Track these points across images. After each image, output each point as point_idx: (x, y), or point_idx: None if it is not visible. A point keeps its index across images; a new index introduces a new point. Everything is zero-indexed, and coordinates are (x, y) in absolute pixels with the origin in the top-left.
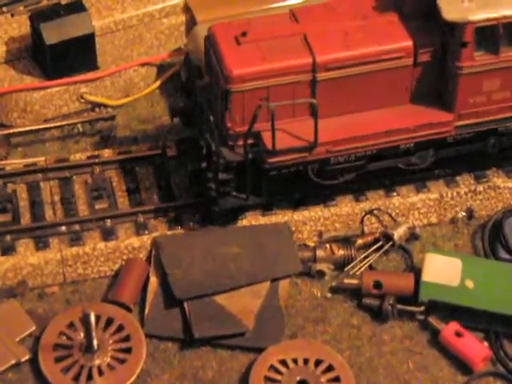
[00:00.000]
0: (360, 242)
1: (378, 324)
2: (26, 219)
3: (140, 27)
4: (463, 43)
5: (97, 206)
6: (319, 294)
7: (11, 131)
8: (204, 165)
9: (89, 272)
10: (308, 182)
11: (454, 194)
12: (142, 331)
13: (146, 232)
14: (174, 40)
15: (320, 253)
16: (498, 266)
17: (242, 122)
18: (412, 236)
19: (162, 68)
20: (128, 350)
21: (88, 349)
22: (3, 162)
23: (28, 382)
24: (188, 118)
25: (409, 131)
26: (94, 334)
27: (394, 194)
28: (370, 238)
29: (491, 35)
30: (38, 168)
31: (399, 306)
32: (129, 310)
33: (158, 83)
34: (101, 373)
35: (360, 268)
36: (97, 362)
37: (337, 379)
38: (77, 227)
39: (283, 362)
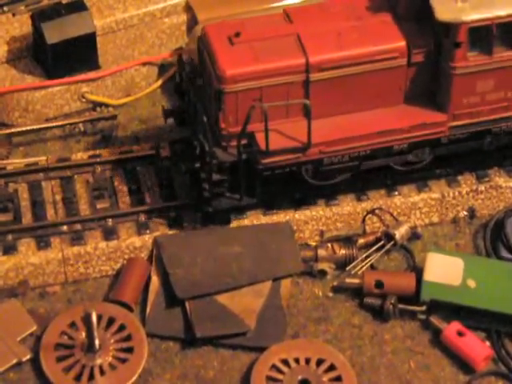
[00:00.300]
0: (361, 241)
1: (379, 323)
2: (27, 219)
3: (141, 26)
4: (457, 43)
5: (98, 206)
6: (321, 294)
7: (13, 130)
8: (197, 165)
9: (90, 271)
10: (302, 183)
11: (456, 193)
12: (144, 331)
13: (148, 231)
14: (175, 39)
15: (322, 252)
16: (499, 266)
17: (236, 122)
18: (413, 235)
19: (163, 67)
20: (129, 350)
21: (89, 348)
22: (5, 162)
23: (29, 382)
24: (182, 119)
25: (403, 132)
26: (95, 333)
27: (396, 193)
28: (371, 238)
29: (485, 35)
30: (40, 167)
31: (401, 306)
32: (130, 309)
33: (159, 83)
34: (102, 372)
35: (361, 267)
36: (98, 361)
37: (338, 379)
38: (78, 227)
39: (285, 362)
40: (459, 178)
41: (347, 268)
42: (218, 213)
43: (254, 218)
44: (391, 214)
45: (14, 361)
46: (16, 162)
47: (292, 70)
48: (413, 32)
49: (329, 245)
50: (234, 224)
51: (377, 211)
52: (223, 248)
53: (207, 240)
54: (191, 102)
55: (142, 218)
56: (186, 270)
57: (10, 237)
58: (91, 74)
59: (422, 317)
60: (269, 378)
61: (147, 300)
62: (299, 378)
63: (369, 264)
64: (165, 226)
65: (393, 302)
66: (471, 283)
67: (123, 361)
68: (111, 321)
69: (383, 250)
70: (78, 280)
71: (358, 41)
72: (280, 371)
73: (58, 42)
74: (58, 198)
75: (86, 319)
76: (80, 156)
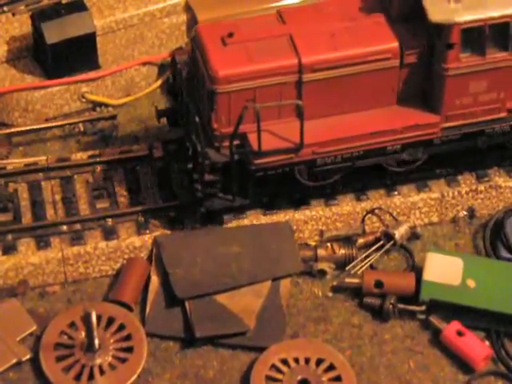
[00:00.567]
0: (361, 241)
1: (379, 323)
2: (27, 218)
3: (141, 26)
4: (449, 45)
5: (98, 206)
6: (320, 294)
7: (12, 130)
8: (190, 166)
9: (90, 271)
10: (295, 183)
11: (456, 193)
12: (143, 330)
13: (147, 231)
14: (175, 39)
15: (321, 252)
16: (499, 266)
17: (228, 123)
18: (413, 235)
19: (163, 67)
20: (129, 350)
21: (89, 348)
22: (4, 162)
23: (29, 382)
24: (175, 119)
25: (395, 133)
26: (95, 333)
27: (395, 193)
28: (371, 238)
29: (477, 36)
30: (39, 167)
31: (400, 306)
32: (130, 309)
33: (158, 83)
34: (102, 372)
35: (361, 267)
36: (98, 361)
37: (338, 378)
38: (78, 226)
39: (284, 361)
40: (459, 177)
41: (347, 268)
42: (211, 213)
43: (254, 218)
44: (391, 214)
45: (14, 360)
46: (16, 162)
47: (285, 71)
48: (405, 33)
49: (328, 245)
50: (233, 224)
51: (376, 211)
52: (223, 248)
53: (207, 240)
54: (184, 103)
55: (142, 217)
56: (186, 269)
57: (9, 236)
58: (91, 74)
59: (422, 317)
60: (268, 378)
61: (147, 300)
62: (299, 377)
63: (368, 264)
64: (164, 225)
65: (392, 301)
66: (471, 283)
67: (123, 360)
68: (111, 320)
69: (383, 250)
70: (77, 280)
71: (351, 42)
72: (279, 371)
73: (58, 41)
74: (58, 197)
75: (86, 319)
76: (80, 156)
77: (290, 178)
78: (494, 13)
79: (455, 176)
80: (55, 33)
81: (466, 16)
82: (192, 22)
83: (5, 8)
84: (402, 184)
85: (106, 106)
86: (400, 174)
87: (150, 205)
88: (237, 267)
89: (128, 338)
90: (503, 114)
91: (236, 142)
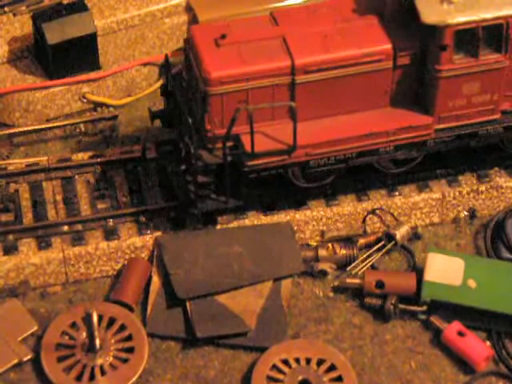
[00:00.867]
0: (362, 241)
1: (380, 324)
2: (28, 219)
3: (142, 27)
4: (442, 46)
5: (99, 206)
6: (321, 294)
7: (13, 131)
8: (183, 167)
9: (91, 272)
10: (289, 185)
11: (457, 193)
12: (145, 331)
13: (149, 232)
14: (176, 40)
15: (322, 252)
16: (500, 266)
17: (221, 124)
18: (414, 235)
19: (164, 68)
20: (130, 350)
21: (90, 348)
22: (5, 162)
23: (30, 382)
24: (168, 121)
25: (388, 134)
26: (96, 333)
27: (397, 193)
28: (372, 238)
29: (470, 38)
30: (41, 168)
31: (401, 306)
32: (131, 309)
33: (159, 83)
34: (103, 372)
35: (362, 268)
36: (99, 361)
37: (339, 379)
38: (79, 227)
39: (285, 362)
40: (460, 178)
41: (348, 268)
42: (204, 214)
43: (255, 219)
44: (392, 215)
45: (15, 361)
46: (17, 162)
47: (278, 73)
48: (399, 35)
49: (329, 245)
50: (234, 224)
51: (377, 211)
52: (224, 248)
53: (208, 240)
54: (177, 104)
55: (143, 218)
56: (187, 270)
57: (10, 237)
58: (92, 75)
59: (423, 317)
60: (269, 378)
61: (148, 300)
62: (300, 378)
63: (369, 264)
64: (166, 226)
65: (393, 302)
66: (472, 283)
67: (124, 361)
68: (112, 321)
69: (384, 250)
70: (78, 280)
71: (344, 43)
72: (281, 371)
73: (59, 42)
74: (59, 198)
75: (87, 319)
76: (81, 156)
77: (284, 179)
78: (487, 14)
79: (456, 176)
80: (56, 33)
81: (459, 17)
82: (193, 22)
83: (6, 8)
84: (403, 184)
85: (107, 106)
86: (395, 175)
87: (151, 205)
88: (238, 267)
89: (129, 338)
90: (496, 116)
91: (229, 144)
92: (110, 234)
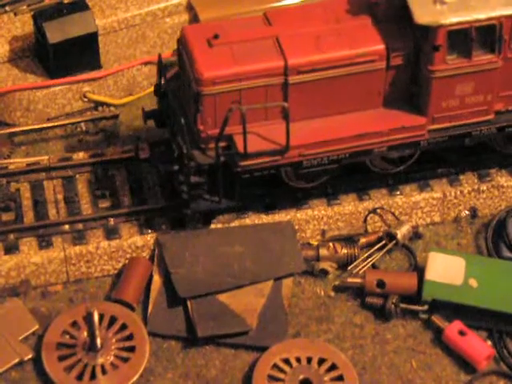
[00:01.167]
0: (363, 240)
1: (381, 323)
2: (29, 218)
3: (143, 26)
4: (435, 47)
5: (100, 205)
6: (322, 293)
7: (14, 130)
8: (176, 167)
9: (92, 271)
10: (282, 185)
11: (458, 192)
12: (146, 330)
13: (149, 231)
14: (177, 39)
15: (323, 252)
16: (501, 265)
17: (214, 124)
18: (415, 235)
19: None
20: (131, 349)
21: (91, 347)
22: (6, 161)
23: (31, 381)
24: (162, 121)
25: (382, 135)
26: (97, 332)
27: (398, 193)
28: (373, 237)
29: (464, 39)
30: (42, 167)
31: (402, 305)
32: (132, 308)
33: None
34: (104, 371)
35: (363, 267)
36: (100, 360)
37: (340, 378)
38: (80, 226)
39: (286, 361)
40: (461, 177)
41: (349, 267)
42: (197, 215)
43: (256, 218)
44: (393, 214)
45: (16, 360)
46: (18, 162)
47: (270, 73)
48: (392, 35)
49: (330, 244)
50: (235, 223)
51: (378, 211)
52: (225, 247)
53: (209, 239)
54: (170, 104)
55: (144, 217)
56: (188, 269)
57: (11, 236)
58: (93, 74)
59: (424, 316)
60: (270, 377)
61: (149, 299)
62: (301, 377)
63: (370, 263)
64: (167, 225)
65: (394, 301)
66: (473, 283)
67: (125, 360)
68: (113, 320)
69: (385, 250)
70: (79, 279)
71: (337, 44)
72: (281, 370)
73: (60, 41)
74: (60, 197)
75: (88, 318)
76: (82, 155)
77: (277, 179)
78: (480, 15)
79: (457, 176)
80: (57, 32)
81: (452, 18)
82: (194, 21)
83: (7, 8)
84: (404, 184)
85: (108, 105)
86: (392, 175)
87: (152, 204)
88: (239, 267)
89: (130, 337)
90: (490, 117)
91: (222, 144)
92: (110, 233)
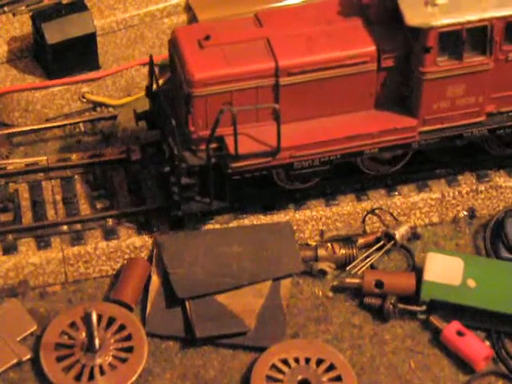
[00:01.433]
0: (361, 241)
1: (379, 323)
2: (27, 218)
3: (141, 27)
4: (426, 48)
5: (98, 206)
6: (321, 294)
7: (13, 130)
8: (167, 169)
9: (90, 271)
10: (274, 186)
11: (456, 193)
12: (144, 330)
13: (148, 231)
14: None
15: (321, 252)
16: (499, 266)
17: (205, 126)
18: (413, 235)
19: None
20: (129, 349)
21: (89, 348)
22: (5, 162)
23: (29, 382)
24: (153, 122)
25: (373, 137)
26: (95, 333)
27: (396, 193)
28: (371, 238)
29: (455, 40)
30: (40, 167)
31: (401, 306)
32: (130, 309)
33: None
34: (102, 372)
35: (361, 267)
36: (98, 361)
37: (338, 378)
38: (78, 226)
39: (285, 362)
40: (459, 177)
41: (347, 268)
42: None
43: (254, 218)
44: (391, 214)
45: (14, 360)
46: (16, 162)
47: (261, 74)
48: (383, 37)
49: (329, 245)
50: (233, 224)
51: (377, 211)
52: (223, 248)
53: (207, 240)
54: (162, 105)
55: (142, 217)
56: (187, 269)
57: (10, 237)
58: (91, 74)
59: (422, 317)
60: (269, 378)
61: (147, 300)
62: (299, 377)
63: (369, 264)
64: (165, 225)
65: (393, 301)
66: (471, 283)
67: (123, 360)
68: (111, 320)
69: (383, 250)
70: (78, 280)
71: (328, 45)
72: (280, 371)
73: (59, 42)
74: (58, 197)
75: (86, 319)
76: (80, 156)
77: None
78: (472, 16)
79: (456, 176)
80: (56, 33)
81: (443, 20)
82: (192, 22)
83: (5, 8)
84: (403, 184)
85: (107, 106)
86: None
87: (151, 205)
88: (237, 267)
89: (128, 338)
90: (481, 118)
91: (213, 145)
92: (109, 234)
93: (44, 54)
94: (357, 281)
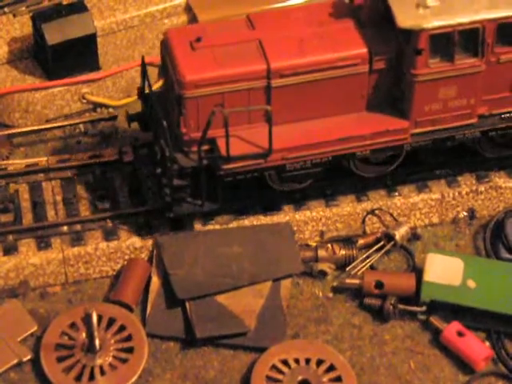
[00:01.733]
0: (361, 241)
1: (379, 324)
2: (27, 219)
3: (142, 27)
4: (418, 51)
5: (98, 206)
6: (321, 294)
7: (13, 131)
8: (159, 170)
9: (91, 272)
10: (267, 188)
11: (456, 194)
12: (144, 331)
13: (148, 232)
14: None
15: (321, 253)
16: (499, 266)
17: (197, 127)
18: (413, 236)
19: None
20: (130, 350)
21: (90, 349)
22: (5, 162)
23: (30, 382)
24: (145, 124)
25: (365, 138)
26: (95, 333)
27: (396, 194)
28: (371, 238)
29: (446, 42)
30: (40, 168)
31: (401, 306)
32: (130, 309)
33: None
34: (103, 372)
35: (361, 268)
36: (99, 361)
37: (338, 379)
38: (78, 227)
39: (285, 362)
40: (459, 178)
41: (347, 268)
42: (180, 218)
43: (254, 219)
44: (391, 215)
45: (15, 361)
46: (16, 163)
47: (253, 76)
48: (375, 39)
49: (329, 245)
50: (234, 224)
51: (377, 212)
52: (223, 248)
53: (208, 240)
54: (154, 107)
55: (143, 218)
56: (187, 270)
57: (10, 237)
58: (91, 75)
59: (422, 317)
60: (269, 378)
61: (147, 300)
62: (299, 378)
63: (369, 264)
64: (165, 226)
65: (393, 302)
66: (471, 284)
67: (123, 361)
68: (111, 321)
69: (383, 251)
70: (78, 280)
71: (320, 47)
72: (280, 371)
73: (59, 42)
74: (59, 198)
75: (87, 319)
76: (80, 157)
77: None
78: (463, 19)
79: (455, 177)
80: (56, 34)
81: (435, 22)
82: (193, 22)
83: (5, 9)
84: (403, 185)
85: (107, 106)
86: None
87: (151, 205)
88: (237, 268)
89: (129, 338)
90: (473, 120)
91: (205, 147)
92: (109, 235)
93: (44, 55)
94: (357, 281)
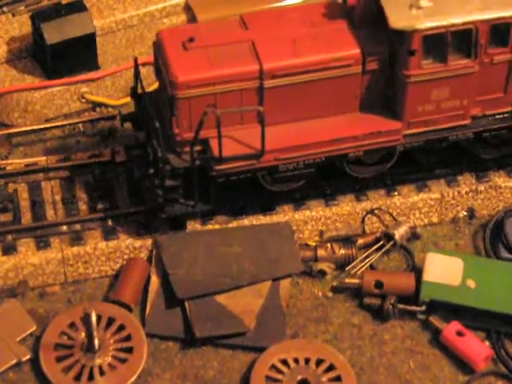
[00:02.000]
0: (361, 241)
1: (379, 324)
2: (27, 219)
3: (141, 27)
4: (411, 51)
5: (98, 206)
6: (320, 294)
7: (12, 131)
8: (151, 171)
9: (90, 271)
10: (260, 189)
11: (455, 193)
12: (143, 331)
13: (147, 232)
14: None
15: (321, 252)
16: (499, 266)
17: (190, 128)
18: (413, 235)
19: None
20: (129, 350)
21: (89, 348)
22: (4, 162)
23: (29, 382)
24: (138, 124)
25: (357, 139)
26: (95, 333)
27: (395, 193)
28: (371, 238)
29: (439, 43)
30: (39, 168)
31: (400, 306)
32: (130, 309)
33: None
34: (102, 372)
35: (361, 267)
36: (98, 361)
37: (338, 379)
38: (78, 227)
39: (284, 362)
40: (459, 178)
41: (347, 268)
42: (173, 218)
43: (254, 218)
44: (390, 214)
45: (14, 361)
46: (16, 163)
47: (245, 77)
48: (368, 39)
49: (328, 245)
50: (233, 224)
51: (376, 211)
52: (223, 248)
53: (207, 240)
54: (147, 107)
55: (142, 218)
56: (186, 270)
57: (9, 237)
58: (91, 75)
59: (422, 317)
60: (268, 378)
61: (147, 300)
62: (299, 378)
63: (368, 264)
64: (165, 226)
65: (392, 302)
66: (471, 283)
67: (123, 361)
68: (111, 321)
69: (383, 250)
70: (77, 280)
71: (313, 48)
72: (279, 371)
73: (58, 42)
74: (58, 198)
75: (86, 319)
76: (80, 156)
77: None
78: (456, 19)
79: (455, 176)
80: (55, 33)
81: (428, 23)
82: (192, 22)
83: (5, 8)
84: (402, 184)
85: (106, 106)
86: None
87: (150, 205)
88: (237, 267)
89: (128, 338)
90: (466, 121)
91: (198, 148)
92: (108, 234)
93: (43, 54)
94: (356, 281)
